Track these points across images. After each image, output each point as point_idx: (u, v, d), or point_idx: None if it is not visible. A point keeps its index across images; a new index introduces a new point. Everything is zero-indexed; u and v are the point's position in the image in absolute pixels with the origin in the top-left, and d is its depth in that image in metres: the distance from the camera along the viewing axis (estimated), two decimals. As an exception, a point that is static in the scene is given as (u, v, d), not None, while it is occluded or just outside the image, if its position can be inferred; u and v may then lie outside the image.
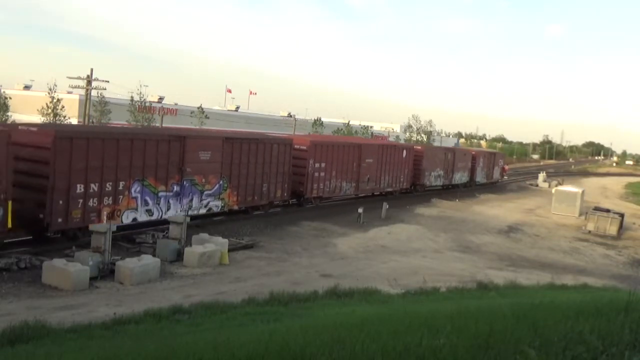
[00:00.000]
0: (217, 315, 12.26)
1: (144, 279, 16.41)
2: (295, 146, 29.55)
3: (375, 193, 38.87)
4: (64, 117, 43.07)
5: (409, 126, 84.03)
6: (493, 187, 56.66)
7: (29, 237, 17.88)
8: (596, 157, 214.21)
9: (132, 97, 48.38)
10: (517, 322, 6.17)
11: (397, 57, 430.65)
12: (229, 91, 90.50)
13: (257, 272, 18.88)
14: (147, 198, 20.93)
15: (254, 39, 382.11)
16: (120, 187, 19.75)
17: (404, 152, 41.08)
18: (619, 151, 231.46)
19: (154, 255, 17.87)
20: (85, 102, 39.04)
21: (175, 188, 22.16)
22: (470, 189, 51.60)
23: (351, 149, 34.46)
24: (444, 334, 5.63)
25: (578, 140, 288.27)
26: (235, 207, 25.97)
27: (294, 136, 36.50)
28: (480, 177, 55.22)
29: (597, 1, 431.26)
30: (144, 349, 7.64)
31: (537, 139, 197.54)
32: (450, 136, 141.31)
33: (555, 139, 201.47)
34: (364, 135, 69.96)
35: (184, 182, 22.48)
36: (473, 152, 56.97)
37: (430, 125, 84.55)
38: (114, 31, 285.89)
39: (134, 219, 20.63)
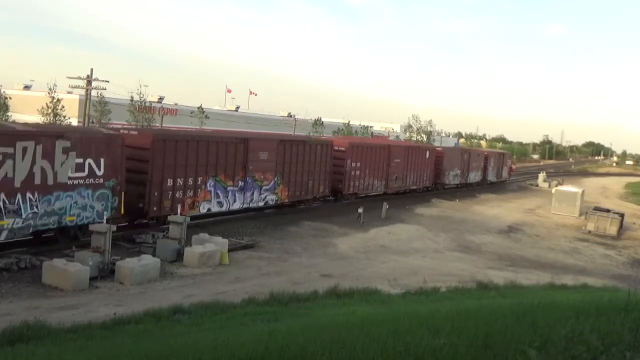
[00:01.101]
0: (217, 315, 12.27)
1: (144, 279, 16.41)
2: (335, 147, 32.79)
3: (399, 191, 41.20)
4: (64, 117, 43.05)
5: (409, 126, 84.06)
6: (493, 187, 56.69)
7: (28, 237, 17.89)
8: (596, 157, 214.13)
9: (132, 97, 48.40)
10: (517, 322, 6.17)
11: (397, 57, 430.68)
12: (229, 91, 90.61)
13: (257, 272, 18.88)
14: (219, 192, 24.30)
15: (254, 39, 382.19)
16: (199, 182, 23.07)
17: (427, 153, 44.25)
18: (619, 151, 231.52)
19: (154, 255, 17.87)
20: (85, 102, 39.04)
21: (240, 183, 25.40)
22: (470, 189, 51.61)
23: (382, 150, 37.68)
24: (444, 334, 5.63)
25: (578, 140, 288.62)
26: (286, 201, 29.11)
27: (334, 138, 40.15)
28: (491, 176, 58.19)
29: (597, 1, 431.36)
30: (144, 349, 7.64)
31: (537, 139, 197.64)
32: (450, 136, 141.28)
33: (555, 139, 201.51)
34: (363, 136, 69.98)
35: (247, 179, 25.76)
36: (485, 153, 60.04)
37: (430, 125, 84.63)
38: (114, 31, 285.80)
39: (208, 209, 23.97)
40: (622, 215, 37.50)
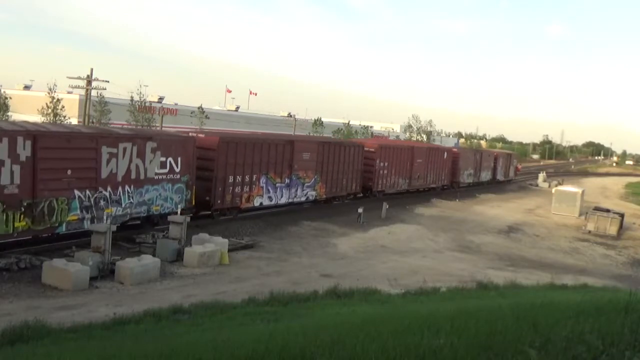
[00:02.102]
0: (217, 315, 12.27)
1: (144, 279, 16.41)
2: (366, 149, 35.86)
3: (420, 189, 43.80)
4: (64, 117, 43.01)
5: (409, 126, 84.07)
6: (493, 187, 56.69)
7: (28, 237, 17.90)
8: (596, 157, 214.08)
9: (132, 97, 48.35)
10: (517, 322, 6.17)
11: (397, 57, 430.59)
12: (229, 91, 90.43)
13: (257, 272, 18.88)
14: (269, 188, 27.31)
15: (254, 39, 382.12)
16: (253, 179, 26.13)
17: (445, 153, 47.42)
18: (619, 151, 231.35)
19: (154, 255, 17.86)
20: (85, 102, 39.03)
21: (287, 180, 28.42)
22: (470, 189, 51.61)
23: (406, 151, 40.86)
24: (444, 334, 5.63)
25: (578, 140, 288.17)
26: (324, 197, 31.98)
27: (364, 140, 43.94)
28: (499, 175, 60.75)
29: (597, 1, 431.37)
30: (144, 349, 7.64)
31: (537, 139, 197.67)
32: (450, 136, 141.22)
33: (555, 139, 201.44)
34: (363, 136, 70.02)
35: (292, 176, 28.73)
36: (495, 153, 62.78)
37: (430, 125, 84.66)
38: (114, 31, 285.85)
39: (261, 203, 27.03)
40: (622, 215, 37.50)
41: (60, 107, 42.76)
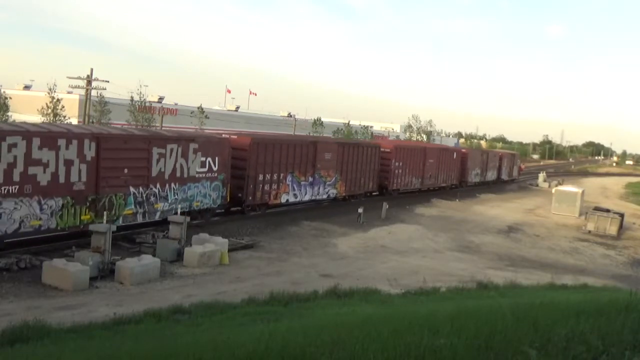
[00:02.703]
0: (217, 315, 12.27)
1: (144, 279, 16.41)
2: (382, 149, 37.67)
3: (430, 188, 45.23)
4: (64, 117, 42.99)
5: (409, 126, 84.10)
6: (493, 187, 56.71)
7: (29, 237, 17.92)
8: (596, 157, 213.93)
9: (132, 97, 48.34)
10: (517, 322, 6.17)
11: (397, 57, 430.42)
12: (229, 91, 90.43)
13: (257, 272, 18.88)
14: (295, 185, 29.23)
15: (254, 39, 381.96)
16: (281, 177, 28.07)
17: (455, 154, 49.66)
18: (619, 151, 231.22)
19: (154, 255, 17.86)
20: (85, 102, 39.03)
21: (310, 179, 30.35)
22: (470, 189, 51.60)
23: (419, 152, 42.81)
24: (444, 334, 5.63)
25: (578, 140, 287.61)
26: (344, 195, 33.86)
27: (381, 141, 45.68)
28: (504, 175, 62.57)
29: (597, 1, 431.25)
30: (144, 349, 7.64)
31: (537, 139, 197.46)
32: (450, 136, 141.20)
33: (555, 139, 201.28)
34: (363, 136, 70.05)
35: (315, 175, 30.66)
36: (500, 154, 64.60)
37: (430, 125, 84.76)
38: (114, 31, 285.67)
39: (287, 200, 29.03)
40: (622, 215, 37.48)
41: (60, 107, 42.74)
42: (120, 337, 10.09)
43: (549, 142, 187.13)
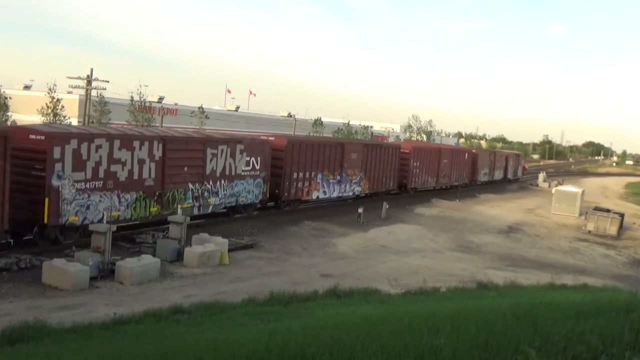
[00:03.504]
0: (217, 315, 12.26)
1: (144, 279, 16.40)
2: (402, 150, 40.26)
3: (443, 187, 47.44)
4: (64, 117, 43.01)
5: (409, 126, 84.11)
6: (493, 187, 56.72)
7: (30, 237, 17.93)
8: (596, 157, 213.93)
9: (132, 97, 48.36)
10: (517, 322, 6.17)
11: (397, 57, 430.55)
12: (229, 91, 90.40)
13: (257, 272, 18.87)
14: (324, 183, 31.68)
15: (254, 39, 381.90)
16: (312, 175, 30.53)
17: (466, 154, 52.48)
18: (619, 151, 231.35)
19: (154, 255, 17.85)
20: (85, 102, 39.03)
21: (338, 177, 32.72)
22: (470, 189, 51.60)
23: (434, 152, 45.43)
24: (444, 334, 5.63)
25: (578, 140, 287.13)
26: (367, 192, 36.11)
27: (401, 142, 49.29)
28: (510, 174, 65.01)
29: (597, 1, 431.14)
30: (144, 349, 7.64)
31: (537, 139, 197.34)
32: (450, 136, 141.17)
33: (555, 139, 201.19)
34: (363, 136, 70.08)
35: (343, 174, 32.99)
36: (506, 154, 66.93)
37: (430, 125, 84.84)
38: (114, 31, 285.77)
39: (317, 197, 31.46)
40: (622, 215, 37.44)
41: (60, 107, 42.78)
42: (120, 337, 10.09)
43: (549, 142, 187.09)
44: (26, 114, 43.84)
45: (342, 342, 5.49)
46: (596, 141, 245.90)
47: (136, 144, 20.21)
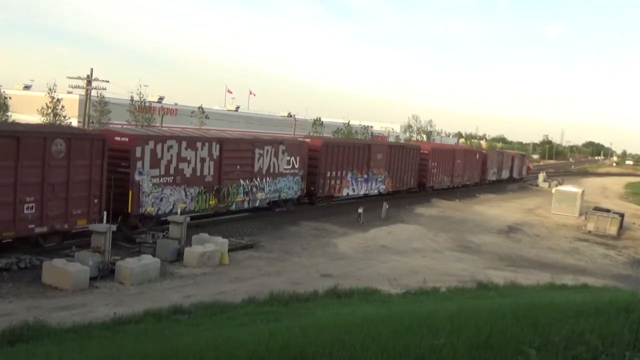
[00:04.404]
0: (217, 315, 12.26)
1: (144, 279, 16.40)
2: (421, 151, 42.72)
3: (457, 186, 49.10)
4: (64, 117, 42.99)
5: (409, 126, 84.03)
6: (493, 187, 56.72)
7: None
8: (596, 157, 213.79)
9: (132, 97, 48.34)
10: (517, 322, 6.17)
11: (397, 57, 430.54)
12: (229, 91, 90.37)
13: (257, 272, 18.87)
14: (353, 181, 34.05)
15: (254, 39, 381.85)
16: (343, 174, 32.90)
17: (477, 155, 55.39)
18: (619, 151, 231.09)
19: (154, 255, 17.85)
20: (85, 102, 39.03)
21: (365, 176, 35.03)
22: (471, 189, 51.60)
23: (450, 153, 48.14)
24: (444, 334, 5.63)
25: (578, 140, 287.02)
26: (390, 190, 38.39)
27: (420, 143, 52.05)
28: (515, 174, 67.01)
29: (597, 1, 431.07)
30: (144, 349, 7.64)
31: (537, 139, 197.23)
32: (450, 136, 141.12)
33: (555, 139, 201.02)
34: (363, 136, 70.08)
35: (369, 173, 35.33)
36: (512, 155, 69.13)
37: (430, 125, 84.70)
38: (114, 31, 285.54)
39: (347, 193, 33.85)
40: (622, 215, 37.43)
41: (60, 107, 42.74)
42: (120, 337, 10.09)
43: (549, 142, 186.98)
44: (26, 114, 43.78)
45: (342, 342, 5.49)
46: (596, 141, 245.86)
47: (199, 144, 22.93)
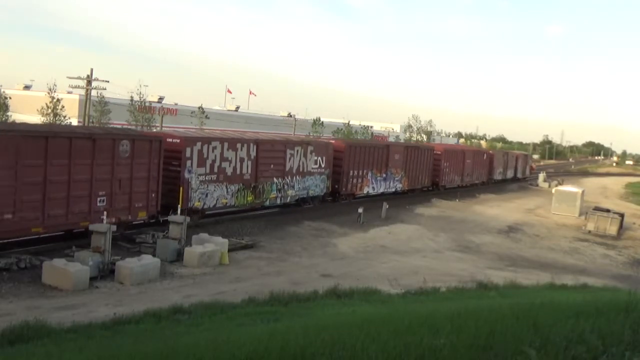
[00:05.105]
0: (217, 315, 12.26)
1: (144, 279, 16.40)
2: (434, 152, 44.92)
3: (465, 185, 51.28)
4: (64, 117, 42.95)
5: (409, 126, 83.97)
6: (494, 186, 56.74)
7: (30, 237, 17.93)
8: (596, 157, 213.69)
9: (132, 97, 48.27)
10: (517, 322, 6.17)
11: (397, 57, 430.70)
12: (229, 91, 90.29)
13: (257, 272, 18.88)
14: (373, 180, 36.15)
15: (254, 39, 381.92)
16: (364, 173, 35.12)
17: (484, 155, 57.72)
18: (619, 151, 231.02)
19: (154, 255, 17.86)
20: (85, 102, 39.01)
21: (384, 175, 37.21)
22: (470, 189, 51.62)
23: (460, 153, 50.57)
24: (444, 334, 5.63)
25: (578, 140, 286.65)
26: (406, 188, 40.61)
27: (434, 145, 53.01)
28: (519, 173, 68.96)
29: (597, 1, 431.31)
30: (144, 349, 7.64)
31: (537, 139, 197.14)
32: (450, 136, 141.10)
33: (555, 139, 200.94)
34: (363, 136, 70.05)
35: (388, 172, 37.55)
36: (516, 155, 71.34)
37: (430, 125, 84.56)
38: (114, 31, 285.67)
39: (367, 192, 35.85)
40: (622, 215, 37.43)
41: (60, 107, 42.68)
42: (120, 337, 10.09)
43: (549, 142, 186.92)
44: (26, 114, 43.71)
45: (342, 342, 5.49)
46: (596, 141, 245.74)
47: (239, 145, 25.24)
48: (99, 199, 18.77)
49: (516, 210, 43.24)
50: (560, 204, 42.75)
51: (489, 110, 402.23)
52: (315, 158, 30.53)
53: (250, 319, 11.35)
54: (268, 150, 27.21)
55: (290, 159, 28.66)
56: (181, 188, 22.19)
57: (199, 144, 23.14)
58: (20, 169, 16.34)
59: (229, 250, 20.10)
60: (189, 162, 22.60)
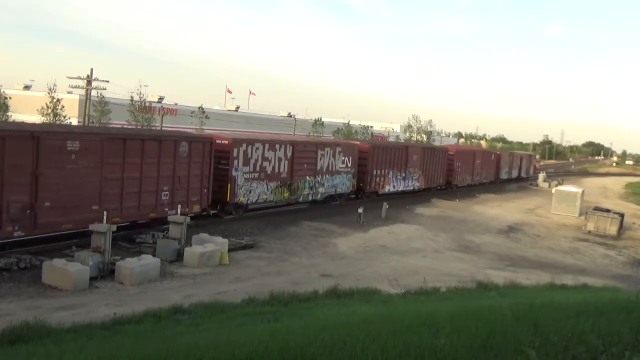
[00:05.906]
0: (217, 315, 12.25)
1: (144, 279, 16.40)
2: (448, 152, 47.67)
3: (475, 184, 53.29)
4: (64, 117, 42.95)
5: (409, 126, 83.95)
6: (494, 186, 56.78)
7: (31, 237, 17.92)
8: (596, 157, 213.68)
9: (132, 97, 48.28)
10: (517, 322, 6.17)
11: (397, 57, 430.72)
12: (229, 91, 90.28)
13: (257, 272, 18.88)
14: (394, 179, 38.51)
15: (254, 39, 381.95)
16: (386, 172, 37.44)
17: (492, 155, 60.29)
18: (619, 151, 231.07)
19: (154, 255, 17.85)
20: (85, 102, 39.01)
21: (403, 174, 39.65)
22: (470, 189, 51.62)
23: (471, 154, 53.26)
24: (444, 334, 5.63)
25: (578, 140, 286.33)
26: (423, 187, 42.74)
27: (447, 146, 56.92)
28: (523, 173, 71.33)
29: (597, 1, 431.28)
30: (144, 349, 7.63)
31: (537, 139, 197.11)
32: (450, 136, 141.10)
33: (555, 139, 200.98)
34: (363, 136, 70.06)
35: (407, 171, 39.96)
36: (520, 155, 74.27)
37: (430, 125, 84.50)
38: (114, 31, 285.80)
39: (389, 190, 38.05)
40: (622, 215, 37.43)
41: (60, 107, 42.69)
42: (120, 337, 10.08)
43: (549, 142, 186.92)
44: (26, 114, 43.73)
45: (342, 342, 5.48)
46: (596, 141, 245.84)
47: (277, 146, 27.81)
48: (163, 193, 21.26)
49: (516, 210, 43.23)
50: (560, 204, 42.75)
51: (489, 110, 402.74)
52: (343, 158, 32.78)
53: (250, 319, 11.34)
54: (302, 150, 29.62)
55: (321, 158, 30.98)
56: (229, 185, 24.78)
57: (244, 145, 25.59)
58: (104, 167, 18.74)
59: (229, 250, 20.10)
60: (235, 162, 25.05)
